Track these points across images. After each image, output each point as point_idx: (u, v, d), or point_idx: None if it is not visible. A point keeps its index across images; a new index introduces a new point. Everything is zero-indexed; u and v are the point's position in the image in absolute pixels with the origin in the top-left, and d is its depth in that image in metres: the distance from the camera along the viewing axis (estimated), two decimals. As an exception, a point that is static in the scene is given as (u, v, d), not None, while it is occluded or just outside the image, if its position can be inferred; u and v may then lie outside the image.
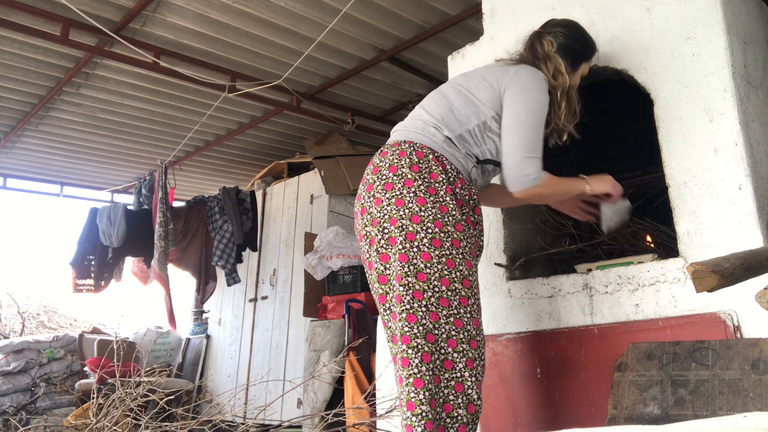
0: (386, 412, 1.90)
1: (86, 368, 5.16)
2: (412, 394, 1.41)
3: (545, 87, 1.72)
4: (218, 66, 4.23)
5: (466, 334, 1.48)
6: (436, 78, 4.50)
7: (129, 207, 5.27)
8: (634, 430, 0.82)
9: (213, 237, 5.26)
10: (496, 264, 2.22)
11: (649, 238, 2.22)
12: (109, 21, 3.63)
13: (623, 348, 1.72)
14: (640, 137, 2.32)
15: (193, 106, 4.90)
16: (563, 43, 1.80)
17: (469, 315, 1.50)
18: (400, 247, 1.51)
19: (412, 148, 1.64)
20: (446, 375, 1.45)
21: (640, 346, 1.70)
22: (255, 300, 5.44)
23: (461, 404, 1.43)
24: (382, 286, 1.56)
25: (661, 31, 1.95)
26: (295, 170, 5.59)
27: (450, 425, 1.42)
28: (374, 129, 5.44)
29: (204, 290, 5.29)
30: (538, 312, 2.07)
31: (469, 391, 1.45)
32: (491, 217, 2.30)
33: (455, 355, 1.46)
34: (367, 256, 1.61)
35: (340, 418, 1.83)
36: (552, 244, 2.29)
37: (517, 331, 2.10)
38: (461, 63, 2.54)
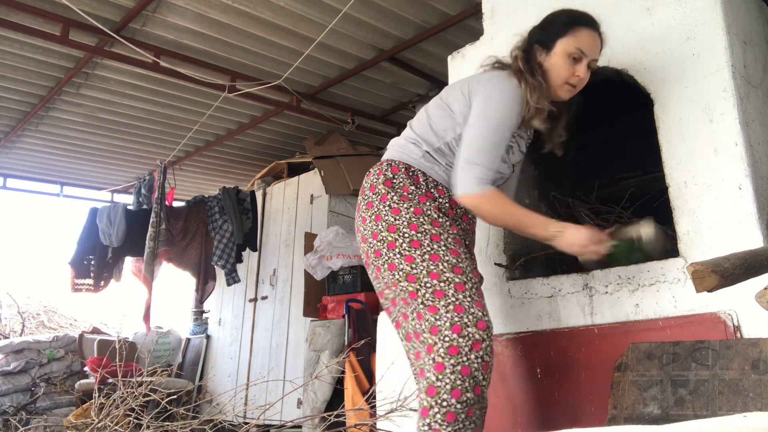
0: (387, 413, 1.90)
1: (86, 368, 5.16)
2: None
3: (513, 95, 1.67)
4: (218, 66, 4.23)
5: (471, 317, 1.49)
6: (436, 78, 4.50)
7: (129, 207, 5.27)
8: (634, 430, 0.82)
9: (213, 237, 5.27)
10: (496, 264, 2.22)
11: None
12: (109, 21, 3.63)
13: (623, 348, 1.72)
14: (640, 137, 2.32)
15: (193, 106, 4.90)
16: (527, 40, 1.77)
17: (470, 299, 1.52)
18: (386, 258, 1.61)
19: (389, 166, 1.73)
20: (451, 361, 1.46)
21: (640, 346, 1.70)
22: (255, 300, 5.44)
23: (469, 387, 1.45)
24: (384, 301, 1.69)
25: (661, 31, 1.95)
26: (295, 170, 5.59)
27: (461, 410, 1.45)
28: (374, 129, 5.44)
29: (203, 290, 5.30)
30: (538, 312, 2.07)
31: (476, 373, 1.46)
32: (491, 217, 2.30)
33: (460, 340, 1.47)
34: (369, 272, 1.74)
35: (340, 419, 1.83)
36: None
37: (517, 331, 2.10)
38: (461, 63, 2.54)
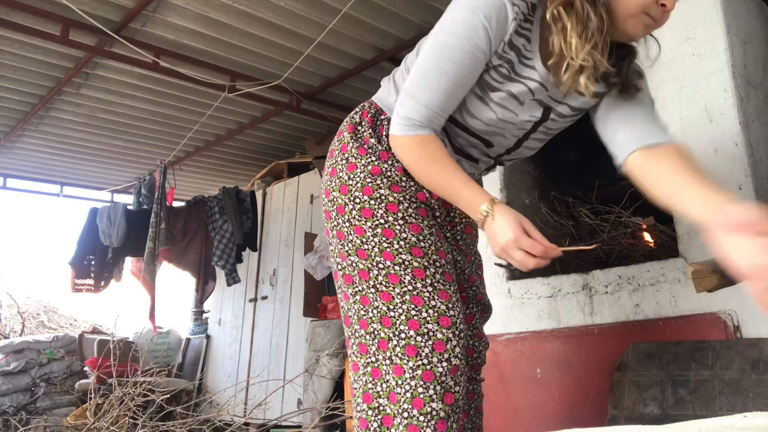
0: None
1: (86, 368, 5.16)
2: (370, 385, 1.23)
3: (477, 3, 1.14)
4: (218, 66, 4.23)
5: (432, 311, 1.19)
6: (436, 78, 4.48)
7: (129, 207, 5.28)
8: (634, 430, 0.82)
9: (213, 237, 5.27)
10: (496, 264, 2.22)
11: (648, 238, 2.22)
12: (109, 21, 3.62)
13: (623, 348, 1.72)
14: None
15: (193, 106, 4.90)
16: None
17: (431, 288, 1.21)
18: (335, 223, 1.32)
19: (362, 108, 1.43)
20: (410, 364, 1.18)
21: (640, 346, 1.70)
22: (255, 300, 5.44)
23: (434, 396, 1.16)
24: (332, 262, 1.39)
25: (661, 31, 1.94)
26: (295, 170, 5.60)
27: (425, 424, 1.16)
28: (374, 129, 5.43)
29: (203, 290, 5.30)
30: (538, 312, 2.07)
31: (443, 378, 1.17)
32: (491, 217, 2.30)
33: (419, 338, 1.18)
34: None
35: (335, 411, 1.82)
36: (552, 244, 2.28)
37: (517, 331, 2.10)
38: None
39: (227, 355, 5.65)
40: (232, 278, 5.19)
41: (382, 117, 1.37)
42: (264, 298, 5.34)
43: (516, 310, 2.13)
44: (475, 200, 1.17)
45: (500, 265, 2.22)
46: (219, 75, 4.31)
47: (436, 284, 1.22)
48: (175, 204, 5.47)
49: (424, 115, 1.19)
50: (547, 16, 1.11)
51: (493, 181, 2.29)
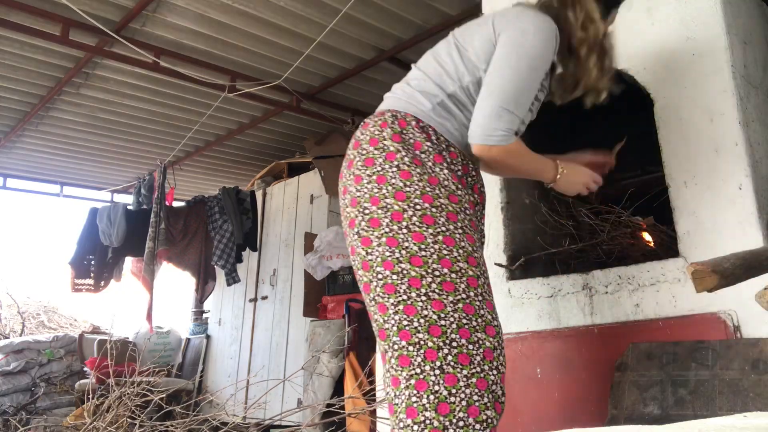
0: (382, 400, 1.89)
1: (86, 368, 5.16)
2: (414, 398, 1.20)
3: (549, 36, 1.43)
4: (218, 66, 4.23)
5: (480, 320, 1.25)
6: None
7: (129, 207, 5.28)
8: (634, 430, 0.82)
9: (213, 237, 5.27)
10: (496, 264, 2.22)
11: (648, 238, 2.21)
12: (109, 21, 3.63)
13: (623, 348, 1.72)
14: (640, 137, 2.32)
15: (193, 106, 4.90)
16: None
17: (481, 298, 1.27)
18: (387, 229, 1.31)
19: (394, 117, 1.44)
20: (464, 372, 1.21)
21: (640, 346, 1.70)
22: (255, 300, 5.44)
23: (488, 404, 1.20)
24: (366, 274, 1.34)
25: (661, 31, 1.95)
26: (295, 170, 5.60)
27: None
28: (374, 129, 5.43)
29: (203, 290, 5.30)
30: (538, 312, 2.07)
31: (494, 386, 1.22)
32: (491, 217, 2.30)
33: (470, 347, 1.22)
34: (349, 239, 1.41)
35: (333, 408, 1.82)
36: (552, 244, 2.28)
37: (517, 331, 2.10)
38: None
39: (227, 355, 5.65)
40: (232, 278, 5.19)
41: (422, 124, 1.44)
42: (264, 298, 5.34)
43: (516, 310, 2.13)
44: (550, 166, 1.52)
45: (500, 264, 2.22)
46: (219, 75, 4.31)
47: (484, 294, 1.30)
48: (175, 204, 5.48)
49: (518, 125, 1.42)
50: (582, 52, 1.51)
51: (494, 180, 2.29)
